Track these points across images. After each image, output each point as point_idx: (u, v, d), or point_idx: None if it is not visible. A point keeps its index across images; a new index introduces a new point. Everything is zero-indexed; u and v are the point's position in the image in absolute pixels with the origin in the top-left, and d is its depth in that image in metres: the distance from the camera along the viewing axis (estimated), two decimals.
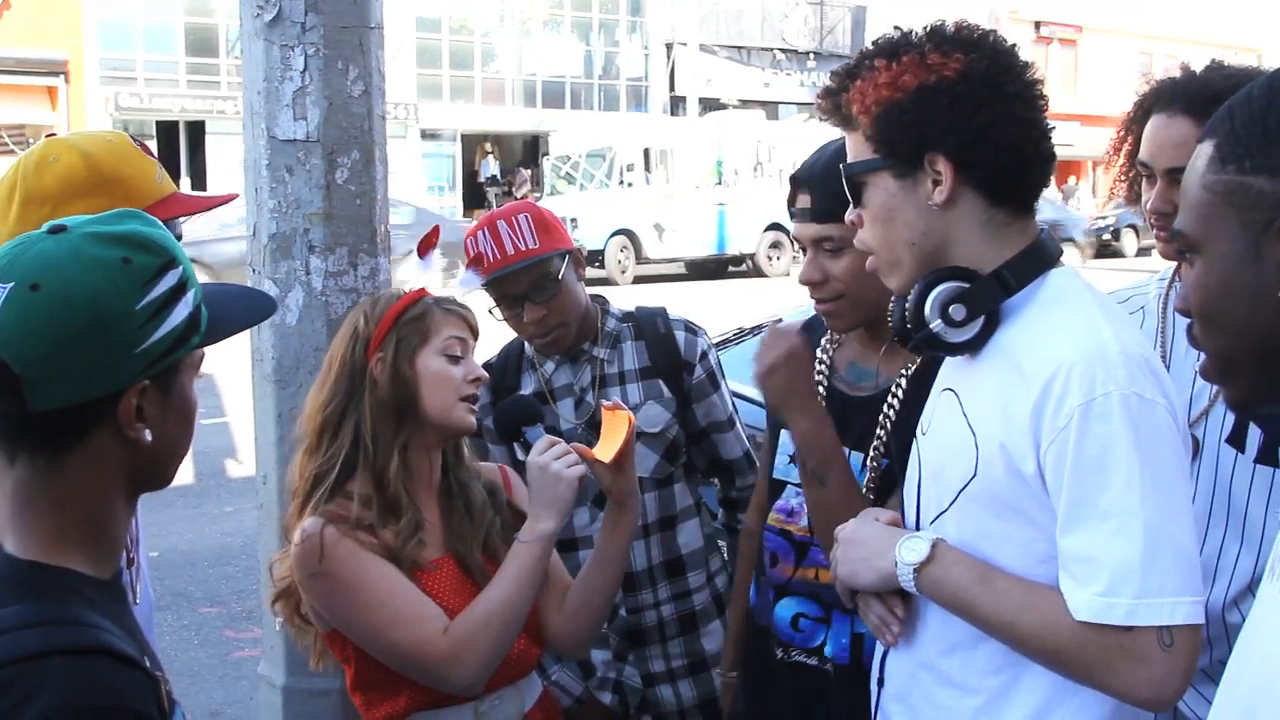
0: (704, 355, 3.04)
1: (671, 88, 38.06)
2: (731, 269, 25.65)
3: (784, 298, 8.78)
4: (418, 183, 32.78)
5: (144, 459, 1.47)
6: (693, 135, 26.95)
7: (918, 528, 1.99)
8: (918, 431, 2.07)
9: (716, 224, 24.95)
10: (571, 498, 2.34)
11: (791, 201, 2.43)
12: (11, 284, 1.35)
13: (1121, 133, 2.61)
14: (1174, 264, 2.44)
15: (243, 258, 3.26)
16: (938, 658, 1.94)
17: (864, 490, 2.35)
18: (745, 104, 35.91)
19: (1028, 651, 1.79)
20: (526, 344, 3.06)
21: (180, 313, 1.45)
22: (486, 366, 3.07)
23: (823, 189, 2.33)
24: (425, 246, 2.54)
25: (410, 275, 2.48)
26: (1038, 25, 42.28)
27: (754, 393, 2.70)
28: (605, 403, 2.50)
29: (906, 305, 1.90)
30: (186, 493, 8.71)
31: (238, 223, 8.73)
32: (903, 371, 2.39)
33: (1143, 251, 27.18)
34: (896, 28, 1.95)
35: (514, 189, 34.17)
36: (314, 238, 2.99)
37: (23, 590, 1.38)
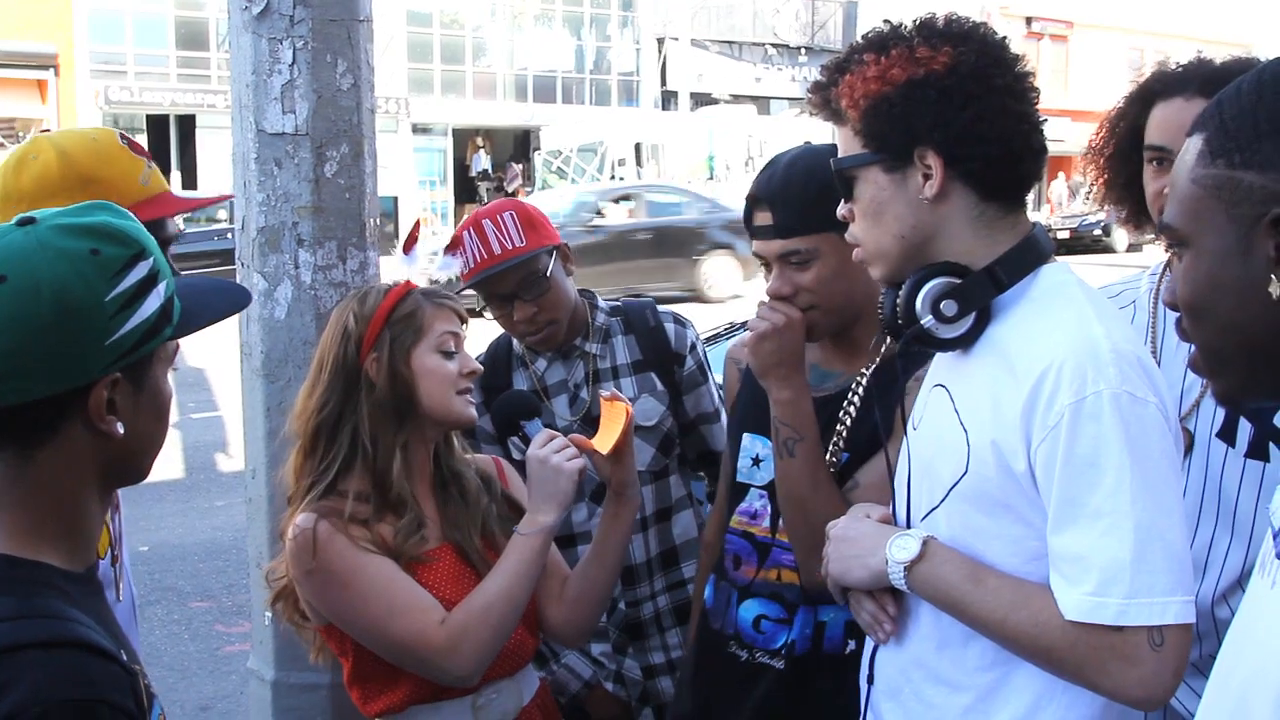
0: (693, 347, 3.05)
1: (663, 82, 38.03)
2: None
3: None
4: (409, 177, 32.73)
5: (117, 452, 1.46)
6: (684, 130, 27.01)
7: (908, 524, 1.98)
8: (908, 427, 2.07)
9: None
10: (572, 490, 2.35)
11: (749, 219, 2.42)
12: None
13: (1108, 126, 2.59)
14: (1166, 258, 2.44)
15: None
16: (928, 655, 1.94)
17: None
18: (737, 99, 35.93)
19: (1018, 650, 1.79)
20: (515, 341, 3.05)
21: (151, 304, 1.44)
22: None
23: (784, 204, 2.34)
24: (410, 242, 2.52)
25: (395, 271, 2.47)
26: (1029, 20, 42.30)
27: None
28: (603, 393, 2.49)
29: (897, 300, 1.90)
30: (176, 487, 8.70)
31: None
32: (863, 370, 2.41)
33: (1133, 248, 27.21)
34: (886, 21, 1.94)
35: (505, 183, 34.14)
36: (303, 231, 2.98)
37: None
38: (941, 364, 2.00)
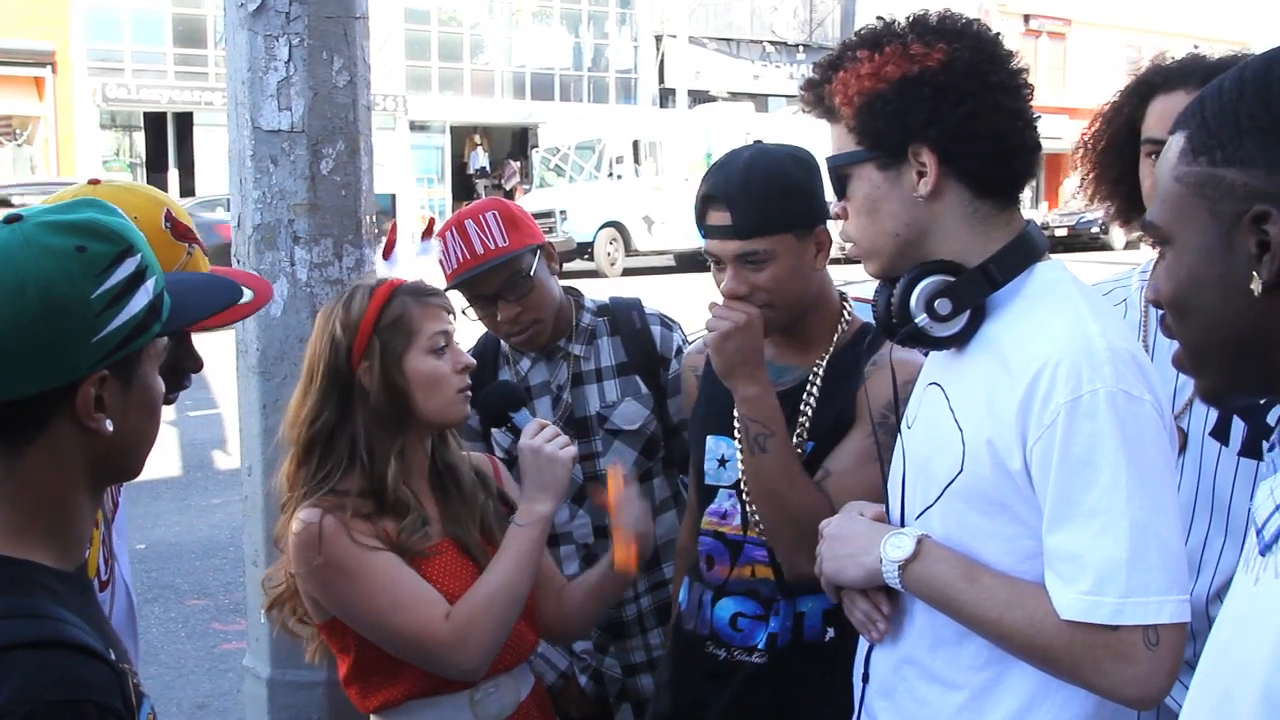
0: (679, 350, 3.03)
1: (661, 80, 38.02)
2: None
3: None
4: (407, 175, 32.71)
5: (106, 449, 1.45)
6: (682, 127, 26.96)
7: (903, 523, 1.98)
8: (903, 426, 2.07)
9: None
10: (567, 479, 2.37)
11: (702, 218, 2.42)
12: None
13: (1104, 120, 2.58)
14: (1156, 255, 2.44)
15: None
16: (923, 653, 1.93)
17: None
18: (734, 96, 35.92)
19: (1013, 649, 1.78)
20: (502, 340, 3.04)
21: (139, 301, 1.43)
22: None
23: (743, 206, 2.34)
24: (389, 247, 2.51)
25: (381, 273, 2.47)
26: (1027, 18, 42.32)
27: None
28: (610, 500, 2.47)
29: (891, 299, 1.89)
30: (174, 485, 8.70)
31: None
32: (817, 361, 2.45)
33: (1130, 245, 27.19)
34: (879, 18, 1.94)
35: (503, 181, 34.15)
36: (299, 228, 2.98)
37: None
38: (936, 362, 2.00)
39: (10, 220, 1.40)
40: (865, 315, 2.50)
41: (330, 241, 3.00)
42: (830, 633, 2.44)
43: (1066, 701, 1.81)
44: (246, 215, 3.02)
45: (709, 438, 2.56)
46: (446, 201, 34.20)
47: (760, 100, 37.75)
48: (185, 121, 31.10)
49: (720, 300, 2.39)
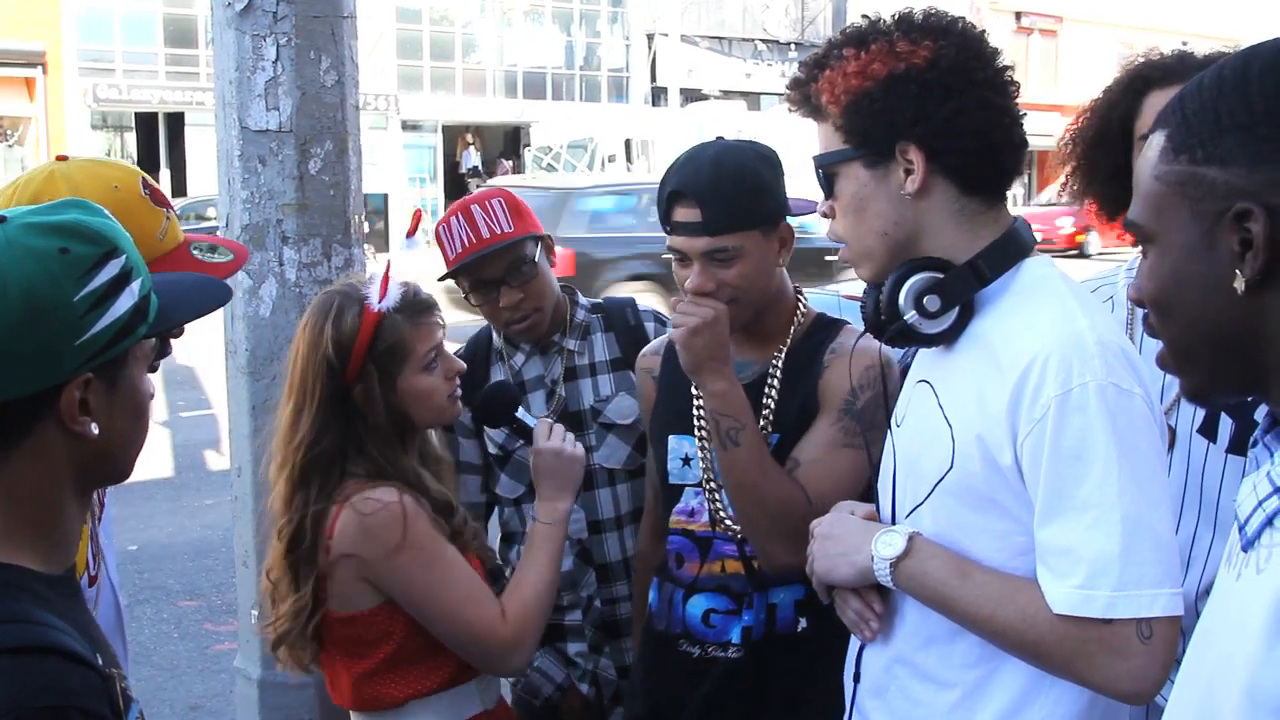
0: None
1: (653, 78, 38.00)
2: None
3: None
4: (399, 174, 32.69)
5: (92, 452, 1.44)
6: (674, 126, 26.93)
7: (894, 521, 1.98)
8: (892, 423, 2.07)
9: None
10: (582, 474, 2.52)
11: (668, 214, 2.42)
12: None
13: (1096, 115, 2.57)
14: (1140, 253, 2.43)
15: None
16: (914, 652, 1.93)
17: None
18: (727, 94, 35.91)
19: (1006, 645, 1.78)
20: (495, 336, 3.04)
21: (124, 303, 1.42)
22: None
23: (712, 202, 2.35)
24: (414, 228, 2.52)
25: (397, 255, 2.46)
26: (1018, 15, 42.33)
27: None
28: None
29: (880, 297, 1.89)
30: (166, 485, 8.69)
31: None
32: (775, 354, 2.48)
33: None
34: (864, 16, 1.94)
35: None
36: (287, 229, 2.97)
37: None
38: (925, 360, 2.00)
39: None
40: (819, 307, 2.58)
41: (319, 241, 3.00)
42: (803, 623, 2.46)
43: (1059, 699, 1.81)
44: (235, 215, 3.01)
45: (671, 438, 2.57)
46: (439, 201, 34.15)
47: (752, 98, 37.71)
48: (177, 122, 31.04)
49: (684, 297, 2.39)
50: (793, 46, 39.87)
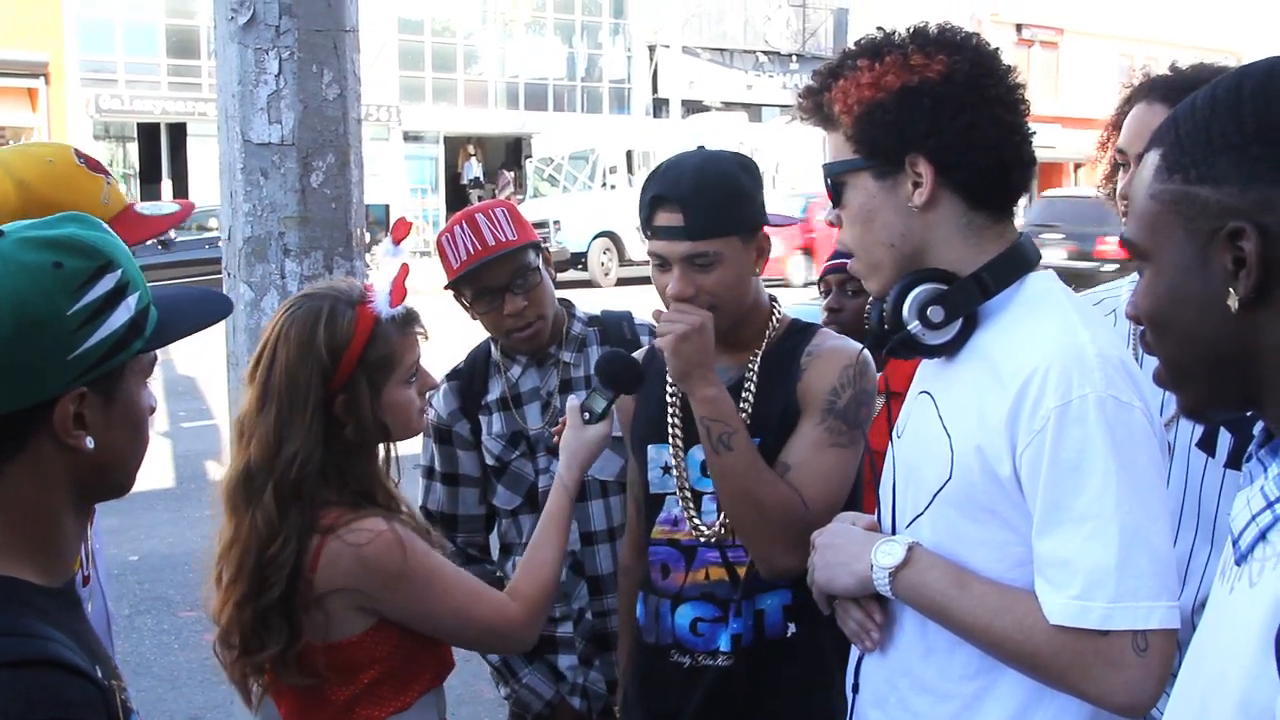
0: None
1: (654, 90, 38.04)
2: None
3: None
4: (401, 185, 32.71)
5: (89, 467, 1.44)
6: (675, 137, 26.92)
7: (893, 531, 1.98)
8: (893, 434, 2.07)
9: None
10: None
11: (650, 219, 2.43)
12: None
13: (1108, 130, 2.62)
14: None
15: None
16: (914, 663, 1.93)
17: None
18: (728, 106, 35.99)
19: (1003, 656, 1.78)
20: (492, 349, 3.05)
21: (120, 317, 1.42)
22: (455, 373, 3.06)
23: (696, 207, 2.36)
24: (399, 235, 2.48)
25: (382, 261, 2.43)
26: (1019, 28, 42.36)
27: None
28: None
29: (884, 307, 1.90)
30: (167, 496, 8.68)
31: None
32: (750, 359, 2.49)
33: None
34: (879, 28, 1.95)
35: (497, 191, 34.09)
36: (289, 241, 2.98)
37: None
38: (926, 371, 2.01)
39: None
40: (793, 314, 2.59)
41: (321, 254, 3.00)
42: (792, 628, 2.47)
43: (1059, 711, 1.80)
44: (237, 228, 3.02)
45: (650, 447, 2.58)
46: (440, 212, 34.20)
47: (754, 110, 37.81)
48: (179, 132, 31.07)
49: (662, 308, 2.41)
50: (794, 59, 39.92)
